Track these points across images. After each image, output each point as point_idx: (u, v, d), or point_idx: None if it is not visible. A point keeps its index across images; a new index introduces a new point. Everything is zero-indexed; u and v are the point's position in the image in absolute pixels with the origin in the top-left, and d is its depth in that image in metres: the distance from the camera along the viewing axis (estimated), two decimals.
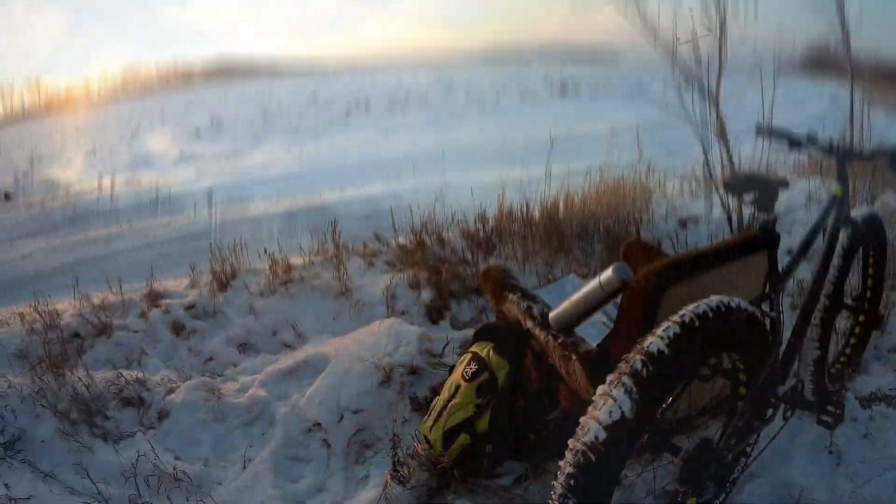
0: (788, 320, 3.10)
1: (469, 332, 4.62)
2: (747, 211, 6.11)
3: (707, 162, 6.60)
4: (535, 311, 3.01)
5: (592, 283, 2.58)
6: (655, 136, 7.51)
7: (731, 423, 2.55)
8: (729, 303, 2.19)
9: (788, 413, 2.95)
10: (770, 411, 2.73)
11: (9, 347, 5.33)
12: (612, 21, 6.81)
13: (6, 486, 3.46)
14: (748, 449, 2.77)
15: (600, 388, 1.99)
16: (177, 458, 3.93)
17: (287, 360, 4.81)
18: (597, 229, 6.41)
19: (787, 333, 3.04)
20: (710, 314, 2.11)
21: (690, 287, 2.52)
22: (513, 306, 3.16)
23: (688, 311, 2.11)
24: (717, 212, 6.69)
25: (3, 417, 4.18)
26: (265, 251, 6.57)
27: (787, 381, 2.91)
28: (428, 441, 3.29)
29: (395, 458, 3.36)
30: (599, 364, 2.52)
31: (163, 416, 4.29)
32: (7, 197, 18.70)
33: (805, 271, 4.14)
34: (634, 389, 1.91)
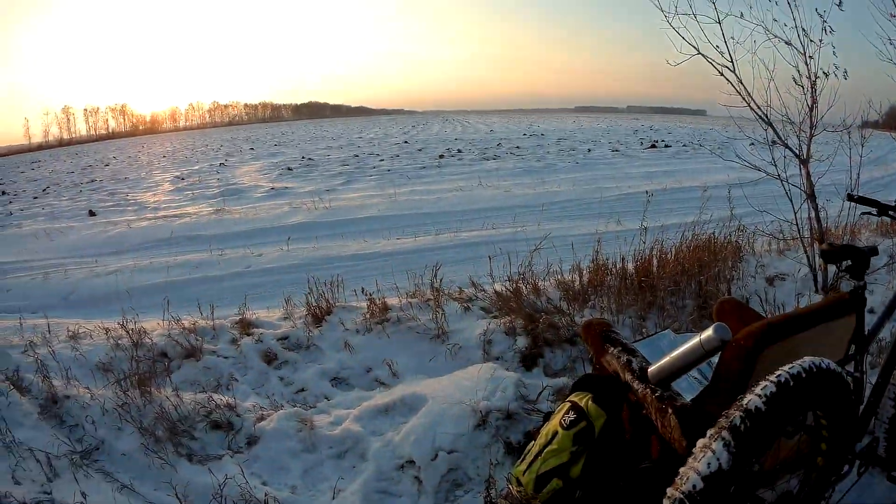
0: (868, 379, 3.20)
1: (562, 381, 4.78)
2: (831, 269, 6.23)
3: (796, 220, 6.66)
4: (635, 365, 3.12)
5: (693, 342, 2.70)
6: (745, 192, 7.53)
7: (810, 478, 2.67)
8: (820, 364, 2.34)
9: (862, 469, 3.06)
10: (846, 467, 2.84)
11: (92, 360, 5.57)
12: (702, 75, 6.92)
13: (83, 494, 3.63)
14: (823, 503, 2.86)
15: (701, 441, 2.13)
16: (264, 483, 4.09)
17: (383, 397, 4.95)
18: (688, 285, 6.49)
19: (866, 392, 3.14)
20: (803, 374, 2.26)
21: (783, 346, 2.63)
22: (613, 359, 3.27)
23: (783, 371, 2.26)
24: (804, 270, 6.75)
25: (83, 427, 4.40)
26: (362, 290, 6.76)
27: (863, 438, 3.01)
28: (520, 483, 3.40)
29: (488, 499, 3.55)
30: (693, 418, 2.63)
31: (252, 441, 4.46)
32: (91, 213, 19.34)
33: (885, 331, 4.21)
34: (732, 443, 2.07)
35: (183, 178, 28.18)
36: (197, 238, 14.01)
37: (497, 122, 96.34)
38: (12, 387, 4.86)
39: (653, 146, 36.00)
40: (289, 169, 27.41)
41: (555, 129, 63.95)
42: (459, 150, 33.04)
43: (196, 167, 34.74)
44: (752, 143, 7.83)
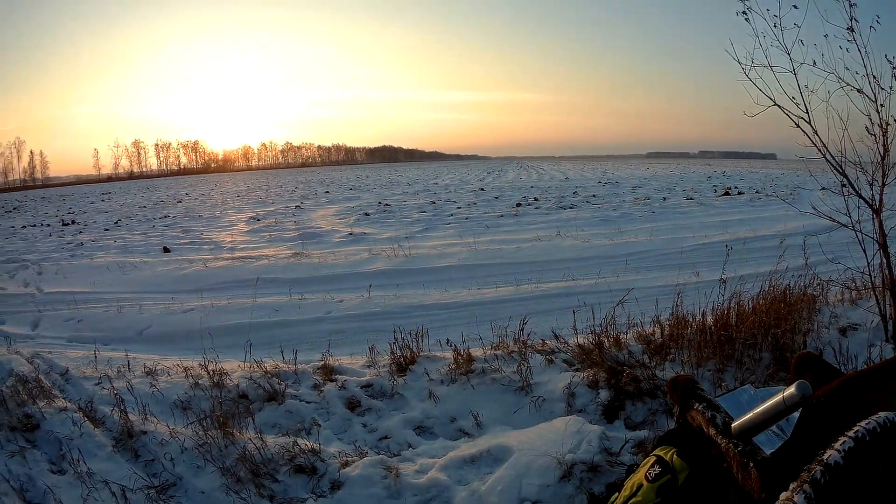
0: None
1: (643, 433, 4.94)
2: None
3: (868, 269, 6.70)
4: (718, 420, 3.24)
5: (775, 399, 2.81)
6: (818, 240, 7.56)
7: None
8: (894, 419, 2.44)
9: None
10: None
11: (170, 397, 5.81)
12: (774, 118, 6.98)
13: None
14: None
15: (783, 494, 2.26)
16: None
17: (469, 447, 5.10)
18: (765, 338, 6.53)
19: None
20: (879, 430, 2.36)
21: (861, 402, 2.73)
22: (697, 414, 3.39)
23: (861, 426, 2.37)
24: (875, 319, 6.80)
25: (161, 463, 4.61)
26: (447, 341, 6.93)
27: None
28: None
29: None
30: (774, 471, 2.74)
31: (336, 486, 4.64)
32: (166, 250, 19.72)
33: None
34: (813, 496, 2.18)
35: (258, 220, 28.68)
36: (275, 281, 14.21)
37: (571, 169, 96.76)
38: (86, 418, 5.08)
39: (726, 193, 35.89)
40: (366, 214, 27.74)
41: (629, 177, 64.10)
42: (536, 199, 33.25)
43: (271, 208, 35.27)
44: (823, 189, 7.89)
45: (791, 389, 2.85)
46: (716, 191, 38.40)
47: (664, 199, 32.34)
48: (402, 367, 6.55)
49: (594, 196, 34.86)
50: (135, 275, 16.18)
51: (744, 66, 6.85)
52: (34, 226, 34.72)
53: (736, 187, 41.54)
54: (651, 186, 44.63)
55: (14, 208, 60.17)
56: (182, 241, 22.28)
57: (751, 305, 7.01)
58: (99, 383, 6.11)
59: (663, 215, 24.50)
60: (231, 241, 21.18)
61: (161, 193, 68.08)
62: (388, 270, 14.66)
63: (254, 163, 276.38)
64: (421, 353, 6.78)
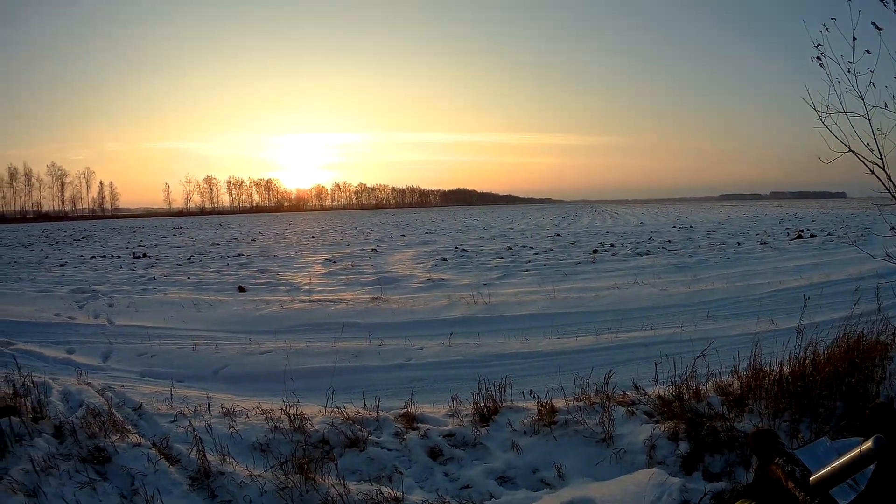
0: None
1: (721, 484, 5.12)
2: None
3: None
4: (797, 474, 3.30)
5: (852, 452, 2.87)
6: (892, 284, 7.53)
7: None
8: None
9: None
10: None
11: (248, 439, 6.00)
12: (847, 165, 7.00)
13: None
14: None
15: None
16: None
17: (552, 499, 5.20)
18: (839, 387, 6.58)
19: None
20: None
21: None
22: (777, 468, 3.45)
23: None
24: None
25: None
26: (530, 393, 7.14)
27: None
28: None
29: None
30: None
31: None
32: (241, 289, 19.97)
33: None
34: None
35: (335, 262, 28.92)
36: (354, 325, 14.24)
37: (645, 213, 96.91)
38: (161, 455, 5.26)
39: (799, 236, 35.82)
40: (443, 259, 27.94)
41: (703, 220, 64.39)
42: (612, 245, 33.31)
43: (347, 250, 35.64)
44: (893, 228, 7.85)
45: (868, 444, 2.92)
46: (788, 234, 38.22)
47: (738, 243, 32.33)
48: (485, 417, 6.71)
49: (669, 241, 34.96)
50: (210, 313, 16.40)
51: (820, 113, 6.94)
52: (104, 256, 35.80)
53: (808, 229, 41.76)
54: (725, 231, 44.74)
55: (83, 237, 61.74)
56: (258, 280, 22.62)
57: (825, 354, 7.08)
58: (174, 421, 6.30)
59: (738, 261, 24.39)
60: (308, 284, 21.36)
61: (234, 231, 69.27)
62: (467, 318, 14.73)
63: (327, 202, 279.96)
64: (503, 404, 6.91)
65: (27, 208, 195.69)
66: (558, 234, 44.14)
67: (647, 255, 27.10)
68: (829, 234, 36.65)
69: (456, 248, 34.54)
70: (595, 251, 29.68)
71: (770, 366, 6.91)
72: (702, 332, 11.52)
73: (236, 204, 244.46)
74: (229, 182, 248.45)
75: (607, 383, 6.82)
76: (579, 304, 15.77)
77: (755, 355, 7.03)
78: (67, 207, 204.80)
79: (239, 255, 33.80)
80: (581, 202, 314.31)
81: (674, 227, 52.86)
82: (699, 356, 6.93)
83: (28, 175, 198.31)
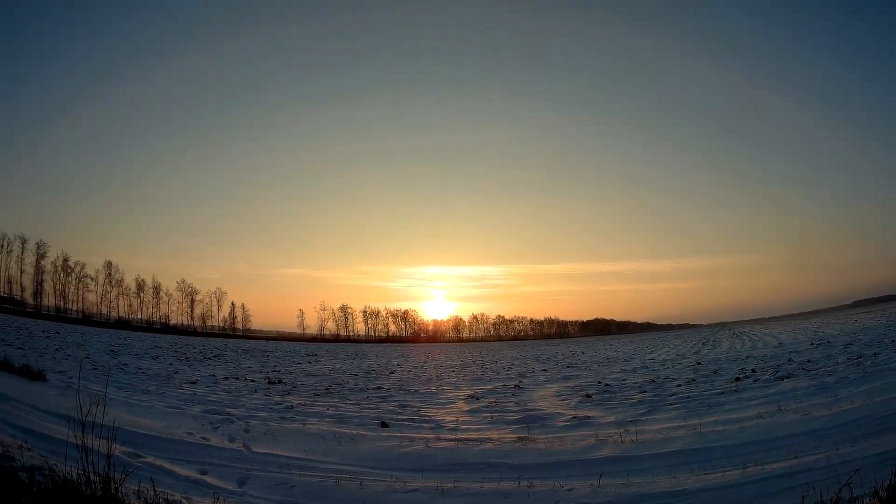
0: None
1: None
2: None
3: None
4: None
5: None
6: None
7: None
8: None
9: None
10: None
11: None
12: None
13: None
14: None
15: None
16: None
17: None
18: None
19: None
20: None
21: None
22: None
23: None
24: None
25: None
26: None
27: None
28: None
29: None
30: None
31: None
32: (384, 425, 20.23)
33: None
34: None
35: (478, 398, 28.93)
36: (500, 466, 14.31)
37: (782, 332, 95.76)
38: None
39: None
40: (588, 396, 27.75)
41: (838, 333, 63.87)
42: (753, 370, 32.95)
43: (489, 386, 35.71)
44: None
45: None
46: None
47: (874, 354, 32.05)
48: None
49: (808, 361, 34.61)
50: (351, 447, 16.71)
51: None
52: (237, 378, 37.27)
53: None
54: (861, 342, 44.38)
55: (214, 356, 64.22)
56: (400, 416, 22.83)
57: None
58: None
59: (877, 374, 24.10)
60: (453, 421, 21.48)
61: (371, 361, 70.31)
62: (615, 457, 14.71)
63: (464, 334, 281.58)
64: None
65: (154, 319, 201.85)
66: (699, 363, 43.96)
67: (787, 378, 26.80)
68: None
69: (599, 382, 34.48)
70: (737, 378, 29.52)
71: None
72: (845, 456, 11.78)
73: (372, 333, 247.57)
74: (365, 312, 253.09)
75: None
76: (724, 437, 15.73)
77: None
78: (197, 323, 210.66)
79: (378, 388, 34.20)
80: (717, 325, 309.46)
81: (811, 344, 52.25)
82: (844, 485, 7.01)
83: (157, 288, 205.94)
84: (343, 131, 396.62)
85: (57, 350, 47.01)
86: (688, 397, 24.62)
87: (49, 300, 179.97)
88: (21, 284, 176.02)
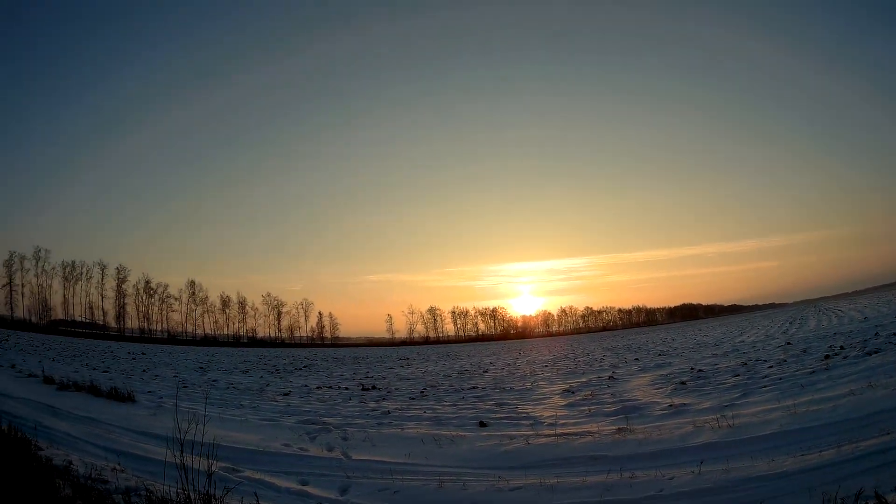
0: None
1: None
2: None
3: None
4: None
5: None
6: None
7: None
8: None
9: None
10: None
11: None
12: None
13: None
14: None
15: None
16: None
17: None
18: None
19: None
20: None
21: None
22: None
23: None
24: None
25: None
26: None
27: None
28: None
29: None
30: None
31: None
32: (482, 424, 20.41)
33: None
34: None
35: (573, 392, 28.97)
36: (601, 458, 14.41)
37: (867, 306, 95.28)
38: None
39: None
40: (682, 383, 27.77)
41: None
42: (842, 347, 32.66)
43: (583, 379, 35.75)
44: None
45: None
46: None
47: None
48: None
49: (894, 335, 34.32)
50: (451, 449, 16.96)
51: None
52: (330, 387, 37.61)
53: None
54: None
55: (304, 366, 65.00)
56: (497, 415, 23.02)
57: None
58: None
59: None
60: (551, 416, 21.64)
61: (463, 361, 70.41)
62: (713, 443, 14.84)
63: (554, 328, 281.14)
64: None
65: (241, 333, 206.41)
66: (788, 343, 43.72)
67: (875, 353, 26.54)
68: None
69: (691, 368, 34.43)
70: (827, 356, 29.34)
71: None
72: None
73: (461, 333, 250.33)
74: (454, 312, 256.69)
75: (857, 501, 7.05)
76: (818, 417, 15.77)
77: None
78: (284, 335, 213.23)
79: (473, 388, 34.43)
80: (803, 302, 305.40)
81: None
82: None
83: (242, 303, 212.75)
84: (432, 131, 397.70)
85: (144, 371, 48.21)
86: (780, 378, 24.54)
87: (132, 322, 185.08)
88: (102, 309, 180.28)
